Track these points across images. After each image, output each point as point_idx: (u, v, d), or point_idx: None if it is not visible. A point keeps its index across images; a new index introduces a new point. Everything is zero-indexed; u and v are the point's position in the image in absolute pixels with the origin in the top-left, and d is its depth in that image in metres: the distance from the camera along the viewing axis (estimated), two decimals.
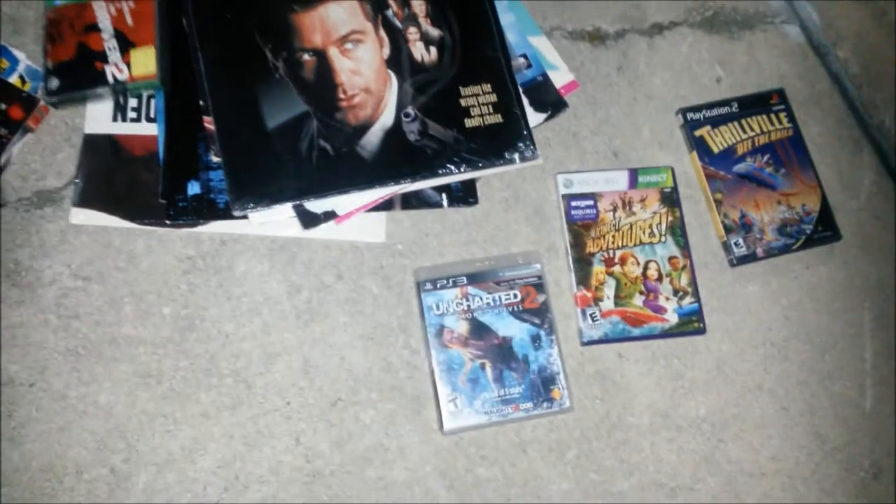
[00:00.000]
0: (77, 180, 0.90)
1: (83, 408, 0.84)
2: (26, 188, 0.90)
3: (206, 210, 0.90)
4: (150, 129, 0.92)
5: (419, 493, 0.88)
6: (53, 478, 0.82)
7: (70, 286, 0.87)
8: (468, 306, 0.93)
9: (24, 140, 0.91)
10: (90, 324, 0.86)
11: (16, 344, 0.85)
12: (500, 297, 0.94)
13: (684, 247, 0.98)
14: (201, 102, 0.89)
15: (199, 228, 0.91)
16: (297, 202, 0.88)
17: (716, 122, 1.03)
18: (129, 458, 0.84)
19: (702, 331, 0.96)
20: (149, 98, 0.93)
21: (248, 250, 0.92)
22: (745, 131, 1.03)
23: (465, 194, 0.96)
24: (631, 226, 0.98)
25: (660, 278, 0.97)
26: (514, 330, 0.93)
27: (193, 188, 0.90)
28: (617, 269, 0.97)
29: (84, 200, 0.90)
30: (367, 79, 0.91)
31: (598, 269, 0.96)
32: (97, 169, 0.91)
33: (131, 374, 0.86)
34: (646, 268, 0.97)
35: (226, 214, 0.90)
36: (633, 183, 1.00)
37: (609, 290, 0.96)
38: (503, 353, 0.92)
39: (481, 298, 0.94)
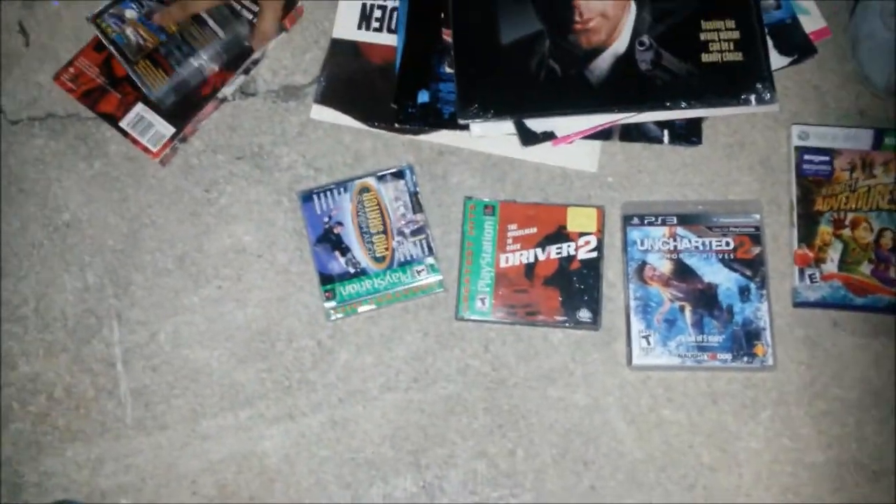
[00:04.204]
0: (321, 80, 1.02)
1: (300, 283, 0.96)
2: (275, 82, 1.03)
3: (431, 118, 0.98)
4: (390, 40, 1.02)
5: (598, 421, 0.91)
6: (267, 341, 0.94)
7: (302, 174, 1.00)
8: (675, 247, 0.95)
9: (278, 38, 1.04)
10: None
11: (251, 218, 0.98)
12: (710, 243, 0.94)
13: None
14: (443, 15, 0.97)
15: (422, 137, 1.00)
16: (520, 118, 0.94)
17: None
18: (335, 336, 0.95)
19: None
20: (391, 10, 1.03)
21: (462, 163, 0.99)
22: None
23: (688, 133, 0.97)
24: (869, 189, 0.94)
25: (894, 249, 0.93)
26: (721, 278, 0.93)
27: (423, 97, 0.99)
28: (846, 232, 0.93)
29: (324, 99, 1.02)
30: (605, 4, 0.95)
31: (824, 229, 0.94)
32: (339, 71, 1.02)
33: None
34: (880, 235, 0.93)
35: (449, 125, 0.98)
36: (878, 144, 0.96)
37: (834, 253, 0.93)
38: (705, 300, 0.93)
39: (690, 241, 0.95)
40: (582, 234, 0.95)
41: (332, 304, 0.95)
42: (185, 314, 0.96)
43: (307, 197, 0.98)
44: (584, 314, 0.93)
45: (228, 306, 0.96)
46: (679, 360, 0.91)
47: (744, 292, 0.93)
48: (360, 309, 0.95)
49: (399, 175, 0.98)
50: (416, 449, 0.91)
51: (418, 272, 0.96)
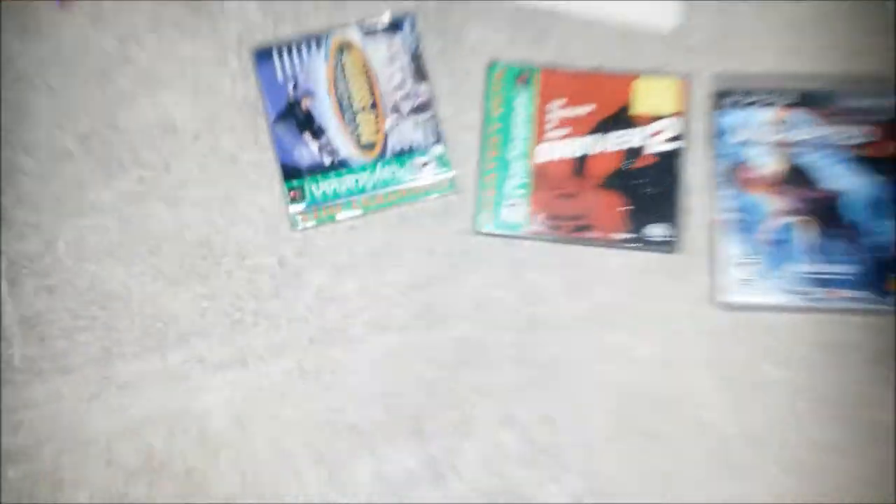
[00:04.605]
0: None
1: (255, 178, 0.68)
2: None
3: None
4: None
5: (673, 379, 0.66)
6: (209, 256, 0.68)
7: (257, 22, 0.71)
8: (785, 138, 0.67)
9: None
10: None
11: (185, 84, 0.70)
12: (834, 134, 0.67)
13: None
14: None
15: None
16: None
17: None
18: (303, 252, 0.68)
19: None
20: None
21: (485, 12, 0.71)
22: None
23: None
24: None
25: None
26: (848, 183, 0.66)
27: None
28: None
29: None
30: None
31: None
32: None
33: None
34: None
35: None
36: None
37: None
38: (826, 214, 0.66)
39: (806, 130, 0.67)
40: (655, 118, 0.68)
41: (300, 207, 0.68)
42: (93, 216, 0.68)
43: (264, 55, 0.69)
44: (655, 230, 0.67)
45: (153, 207, 0.68)
46: (787, 298, 0.65)
47: (879, 205, 0.66)
48: (340, 215, 0.68)
49: (395, 27, 0.69)
50: (416, 412, 0.66)
51: (421, 166, 0.68)
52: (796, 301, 0.66)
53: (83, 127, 0.69)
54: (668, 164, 0.68)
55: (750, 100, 0.68)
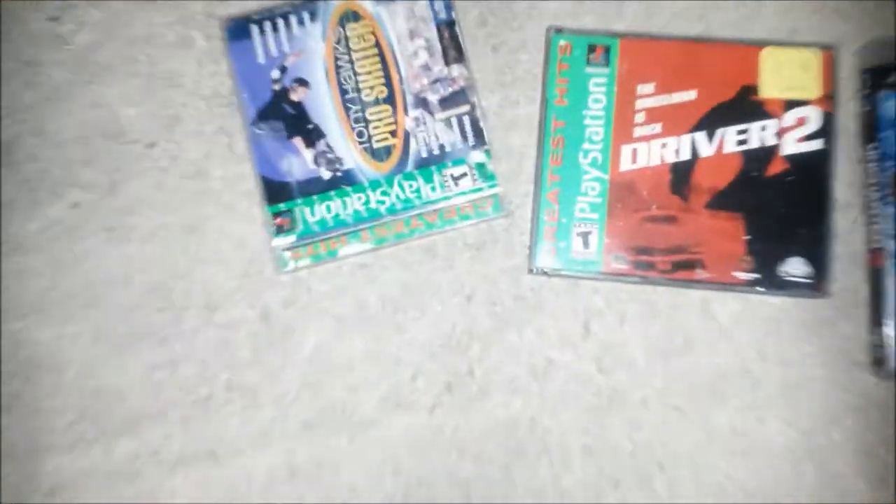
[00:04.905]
0: None
1: (228, 198, 0.50)
2: None
3: None
4: None
5: (817, 473, 0.45)
6: (167, 308, 0.49)
7: None
8: None
9: None
10: None
11: (136, 71, 0.52)
12: None
13: None
14: None
15: None
16: None
17: None
18: (294, 301, 0.50)
19: None
20: None
21: None
22: None
23: None
24: None
25: None
26: None
27: None
28: None
29: None
30: None
31: None
32: None
33: None
34: None
35: None
36: None
37: None
38: None
39: None
40: (791, 105, 0.47)
41: (289, 239, 0.49)
42: (14, 256, 0.51)
43: (240, 29, 0.50)
44: (792, 266, 0.47)
45: (93, 242, 0.50)
46: None
47: None
48: (344, 250, 0.49)
49: None
50: None
51: (456, 179, 0.49)
52: None
53: (2, 134, 0.52)
54: (811, 171, 0.47)
55: None
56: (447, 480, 0.48)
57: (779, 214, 0.47)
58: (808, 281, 0.47)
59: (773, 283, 0.47)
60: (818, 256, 0.47)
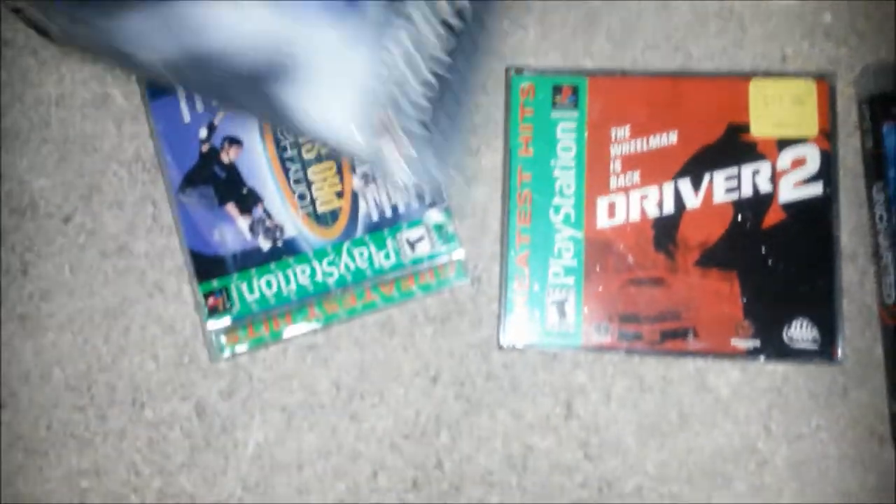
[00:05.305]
0: None
1: (156, 277, 0.44)
2: None
3: None
4: None
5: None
6: (90, 406, 0.43)
7: None
8: None
9: None
10: None
11: (48, 136, 0.46)
12: None
13: None
14: None
15: None
16: None
17: None
18: (233, 392, 0.43)
19: None
20: None
21: None
22: None
23: None
24: None
25: None
26: None
27: None
28: None
29: None
30: None
31: None
32: None
33: None
34: None
35: None
36: None
37: None
38: None
39: None
40: (786, 143, 0.42)
41: (225, 321, 0.43)
42: None
43: (161, 86, 0.45)
44: (800, 331, 0.41)
45: (2, 331, 0.44)
46: None
47: None
48: (289, 331, 0.43)
49: None
50: None
51: (412, 243, 0.43)
52: None
53: None
54: (810, 219, 0.42)
55: None
56: None
57: (778, 271, 0.41)
58: (814, 346, 0.41)
59: (775, 349, 0.41)
60: (825, 317, 0.41)
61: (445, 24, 0.36)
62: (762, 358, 0.41)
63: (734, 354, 0.41)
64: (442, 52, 0.36)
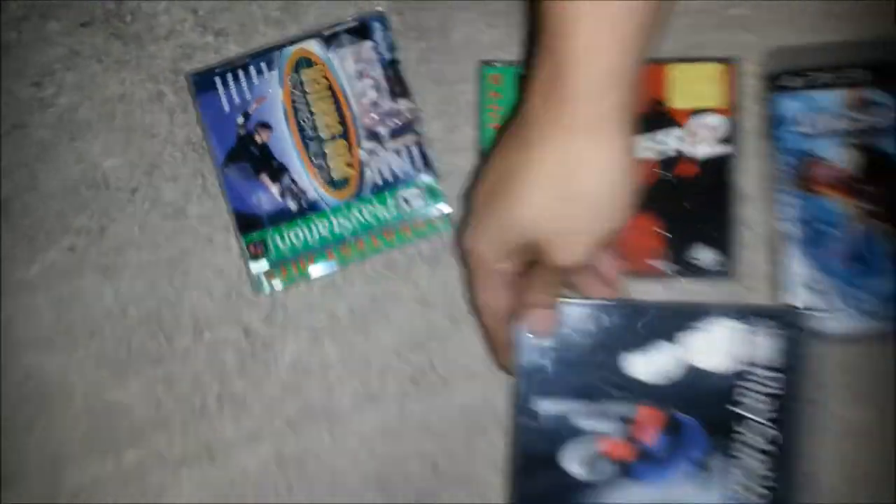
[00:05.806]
0: None
1: (206, 232, 0.57)
2: None
3: None
4: None
5: None
6: (159, 334, 0.56)
7: (195, 42, 0.59)
8: (865, 124, 0.54)
9: None
10: None
11: (113, 127, 0.58)
12: None
13: None
14: None
15: None
16: None
17: None
18: (273, 318, 0.56)
19: None
20: None
21: (473, 7, 0.57)
22: None
23: None
24: None
25: None
26: None
27: None
28: None
29: None
30: None
31: None
32: None
33: None
34: None
35: None
36: None
37: None
38: None
39: (886, 112, 0.53)
40: (697, 112, 0.55)
41: (264, 264, 0.56)
42: (20, 297, 0.57)
43: (204, 82, 0.57)
44: (703, 254, 0.54)
45: (89, 280, 0.57)
46: (871, 325, 0.52)
47: None
48: (314, 270, 0.56)
49: (362, 32, 0.57)
50: (420, 496, 0.55)
51: (407, 201, 0.56)
52: (882, 328, 0.52)
53: (2, 193, 0.58)
54: (717, 171, 0.54)
55: (816, 79, 0.54)
56: (417, 458, 0.55)
57: (689, 211, 0.54)
58: (717, 266, 0.54)
59: (688, 270, 0.54)
60: (726, 245, 0.54)
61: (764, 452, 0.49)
62: (677, 276, 0.54)
63: (656, 273, 0.54)
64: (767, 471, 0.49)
